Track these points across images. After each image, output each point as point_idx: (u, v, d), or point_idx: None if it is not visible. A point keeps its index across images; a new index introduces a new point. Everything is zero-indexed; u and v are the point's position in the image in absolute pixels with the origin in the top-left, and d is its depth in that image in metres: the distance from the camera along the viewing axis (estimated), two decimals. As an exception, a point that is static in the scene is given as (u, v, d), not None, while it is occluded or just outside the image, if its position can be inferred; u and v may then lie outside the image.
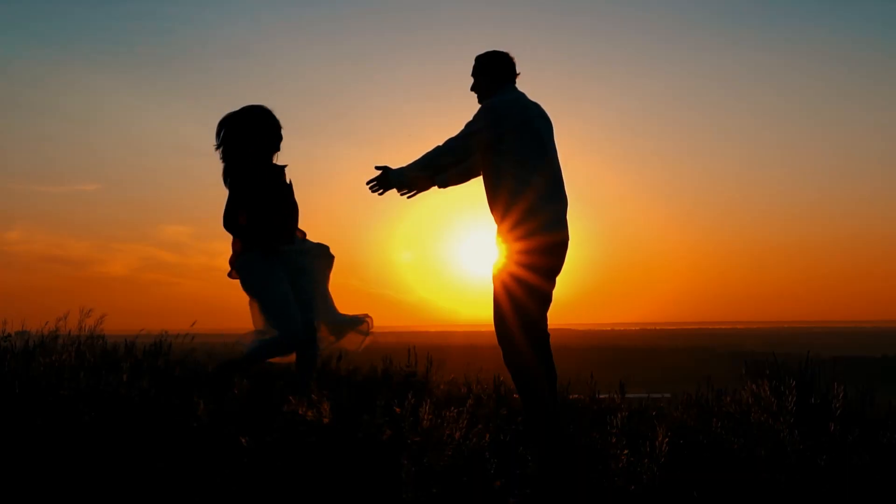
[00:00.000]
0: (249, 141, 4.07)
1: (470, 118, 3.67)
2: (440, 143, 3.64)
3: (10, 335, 5.79)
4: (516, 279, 3.51)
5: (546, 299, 3.59)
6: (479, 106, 3.69)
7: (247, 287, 4.15)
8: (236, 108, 4.14)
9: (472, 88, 3.79)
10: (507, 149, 3.50)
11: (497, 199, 3.58)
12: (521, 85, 3.75)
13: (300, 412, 3.77)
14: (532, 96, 3.70)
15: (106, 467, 2.96)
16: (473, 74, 3.78)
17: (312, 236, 4.38)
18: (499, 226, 3.61)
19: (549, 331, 3.71)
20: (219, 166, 4.11)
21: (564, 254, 3.60)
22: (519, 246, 3.51)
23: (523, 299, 3.50)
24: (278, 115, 4.10)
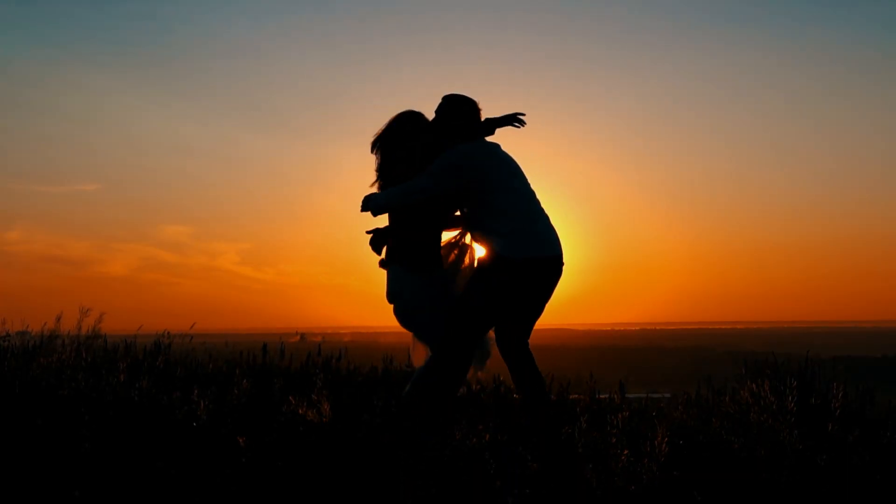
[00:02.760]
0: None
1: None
2: (413, 182, 3.68)
3: (10, 335, 5.79)
4: (495, 287, 3.57)
5: (509, 312, 3.61)
6: (443, 148, 3.77)
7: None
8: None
9: (433, 124, 3.84)
10: (477, 188, 3.62)
11: (476, 229, 3.71)
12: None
13: (300, 412, 3.77)
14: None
15: (106, 467, 2.96)
16: (437, 112, 3.84)
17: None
18: (480, 246, 3.74)
19: (525, 344, 3.71)
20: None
21: (543, 270, 3.59)
22: (497, 259, 3.58)
23: (493, 304, 3.56)
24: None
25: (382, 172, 3.81)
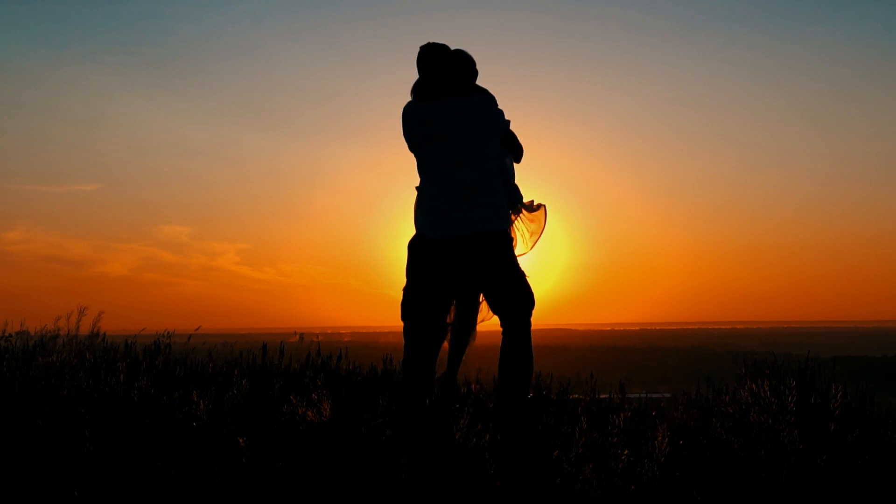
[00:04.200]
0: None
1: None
2: None
3: (10, 335, 5.80)
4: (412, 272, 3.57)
5: (420, 297, 3.56)
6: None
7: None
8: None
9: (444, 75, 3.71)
10: (415, 154, 3.56)
11: None
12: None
13: (300, 412, 3.77)
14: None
15: (106, 467, 2.96)
16: (450, 66, 3.74)
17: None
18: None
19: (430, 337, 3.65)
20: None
21: (446, 253, 3.41)
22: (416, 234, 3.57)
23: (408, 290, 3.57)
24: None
25: None
